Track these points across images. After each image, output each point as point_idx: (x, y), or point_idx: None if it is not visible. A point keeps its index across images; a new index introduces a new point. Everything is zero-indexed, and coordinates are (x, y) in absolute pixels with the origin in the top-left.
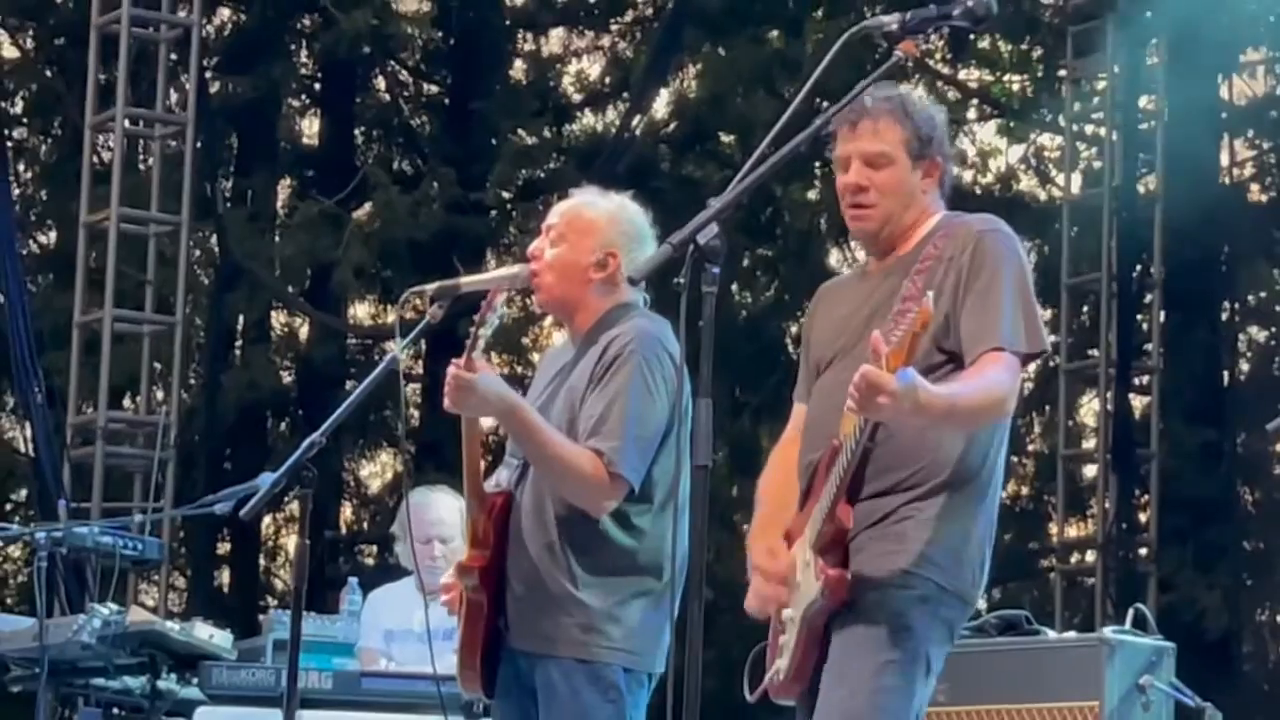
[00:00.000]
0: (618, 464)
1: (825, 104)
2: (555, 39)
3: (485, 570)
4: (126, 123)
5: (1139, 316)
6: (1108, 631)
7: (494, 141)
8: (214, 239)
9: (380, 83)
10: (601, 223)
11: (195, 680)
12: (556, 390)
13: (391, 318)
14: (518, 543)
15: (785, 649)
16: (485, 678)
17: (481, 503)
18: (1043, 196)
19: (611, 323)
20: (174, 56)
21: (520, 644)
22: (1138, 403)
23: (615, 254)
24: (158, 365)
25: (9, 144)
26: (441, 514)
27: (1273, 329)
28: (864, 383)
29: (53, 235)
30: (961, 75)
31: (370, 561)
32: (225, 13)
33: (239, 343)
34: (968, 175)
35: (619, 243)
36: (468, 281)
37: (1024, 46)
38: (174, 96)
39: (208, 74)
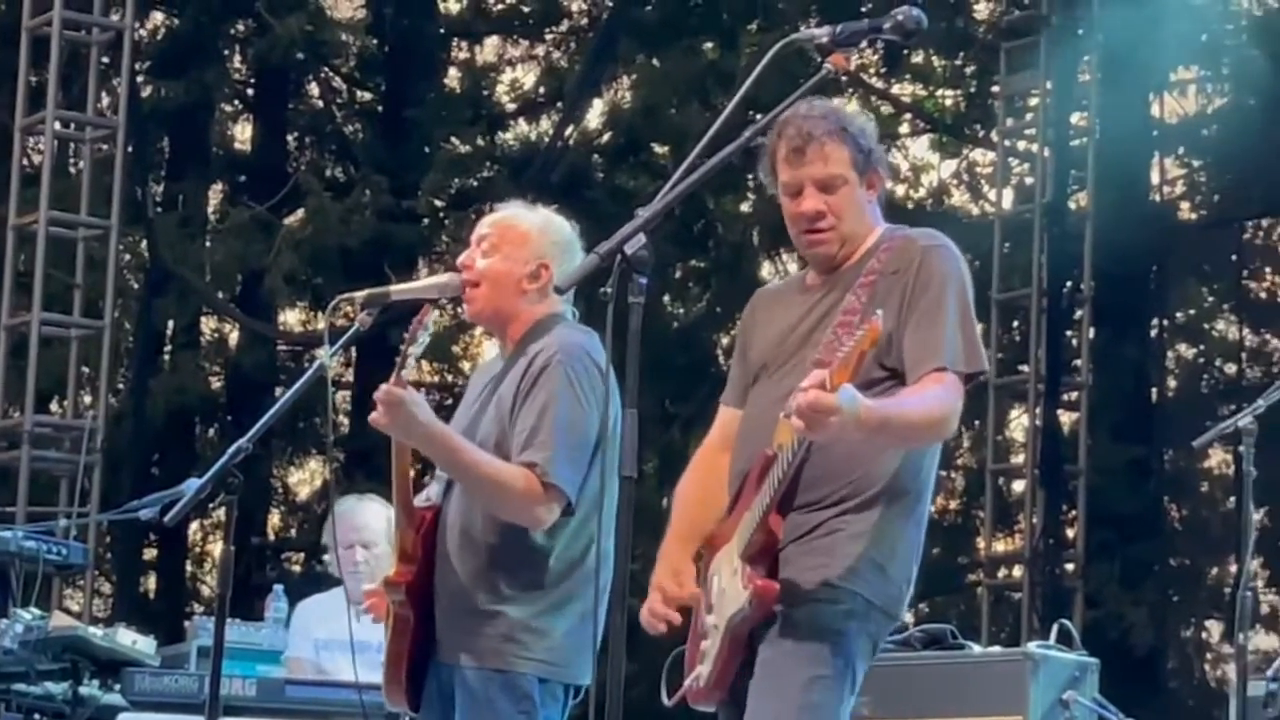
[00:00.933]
0: (551, 475)
1: (757, 116)
2: (490, 48)
3: (412, 585)
4: (57, 125)
5: (1068, 333)
6: (1032, 647)
7: (427, 149)
8: (144, 244)
9: (314, 89)
10: (534, 234)
11: (118, 687)
12: (486, 403)
13: (322, 325)
14: (444, 558)
15: (707, 655)
16: (411, 691)
17: (410, 517)
18: (974, 211)
19: (539, 334)
20: (106, 60)
21: (445, 657)
22: (1066, 419)
23: (548, 265)
24: (85, 369)
25: None
26: (368, 520)
27: (1201, 347)
28: (808, 407)
29: None
30: (895, 90)
31: (297, 569)
32: (158, 16)
33: (168, 348)
34: (900, 190)
35: (551, 254)
36: (398, 290)
37: (957, 62)
38: (105, 100)
39: (140, 78)
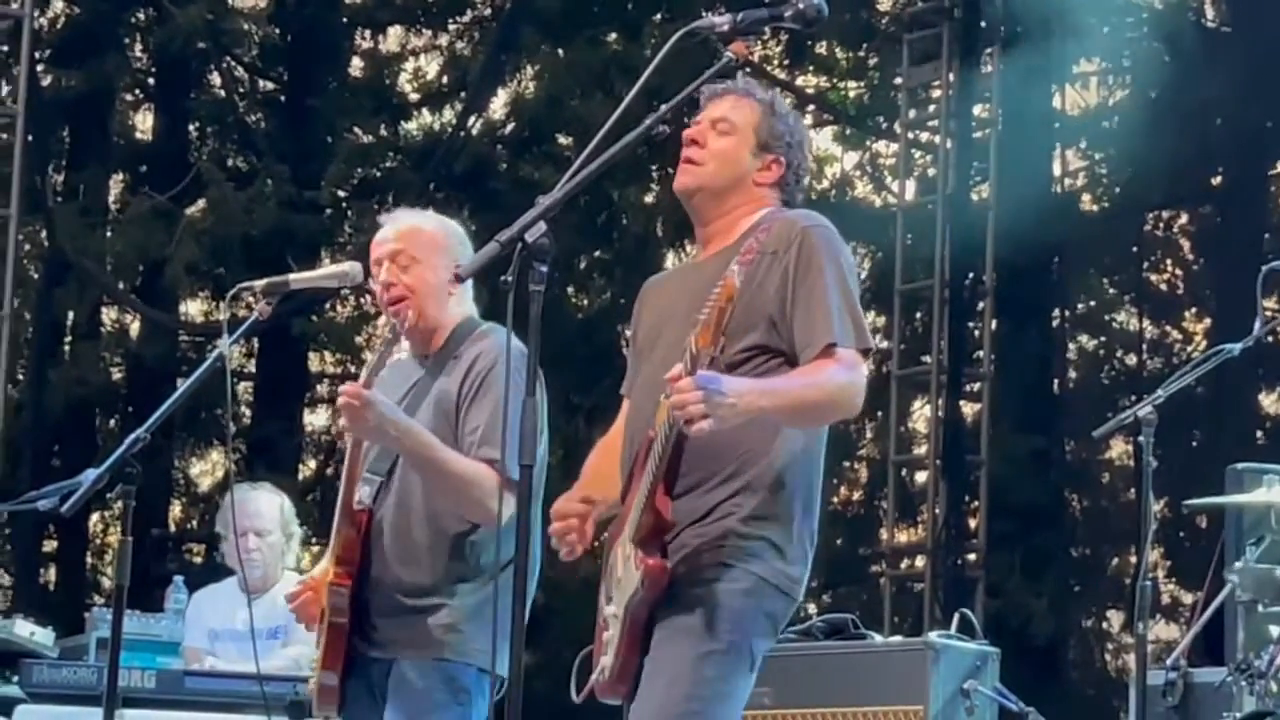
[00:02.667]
0: (510, 471)
1: (660, 105)
2: (393, 37)
3: (351, 589)
4: None
5: (971, 324)
6: (933, 636)
7: (330, 139)
8: (44, 233)
9: (216, 79)
10: (443, 238)
11: (15, 678)
12: (414, 406)
13: (223, 315)
14: (382, 557)
15: (609, 646)
16: (342, 694)
17: (352, 519)
18: (877, 203)
19: (462, 338)
20: (5, 48)
21: (379, 652)
22: (968, 409)
23: (459, 269)
24: None
25: None
26: (260, 507)
27: (1102, 338)
28: (677, 404)
29: None
30: (799, 81)
31: (199, 560)
32: (58, 5)
33: (68, 338)
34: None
35: (461, 255)
36: (297, 278)
37: (861, 53)
38: (5, 88)
39: (39, 66)
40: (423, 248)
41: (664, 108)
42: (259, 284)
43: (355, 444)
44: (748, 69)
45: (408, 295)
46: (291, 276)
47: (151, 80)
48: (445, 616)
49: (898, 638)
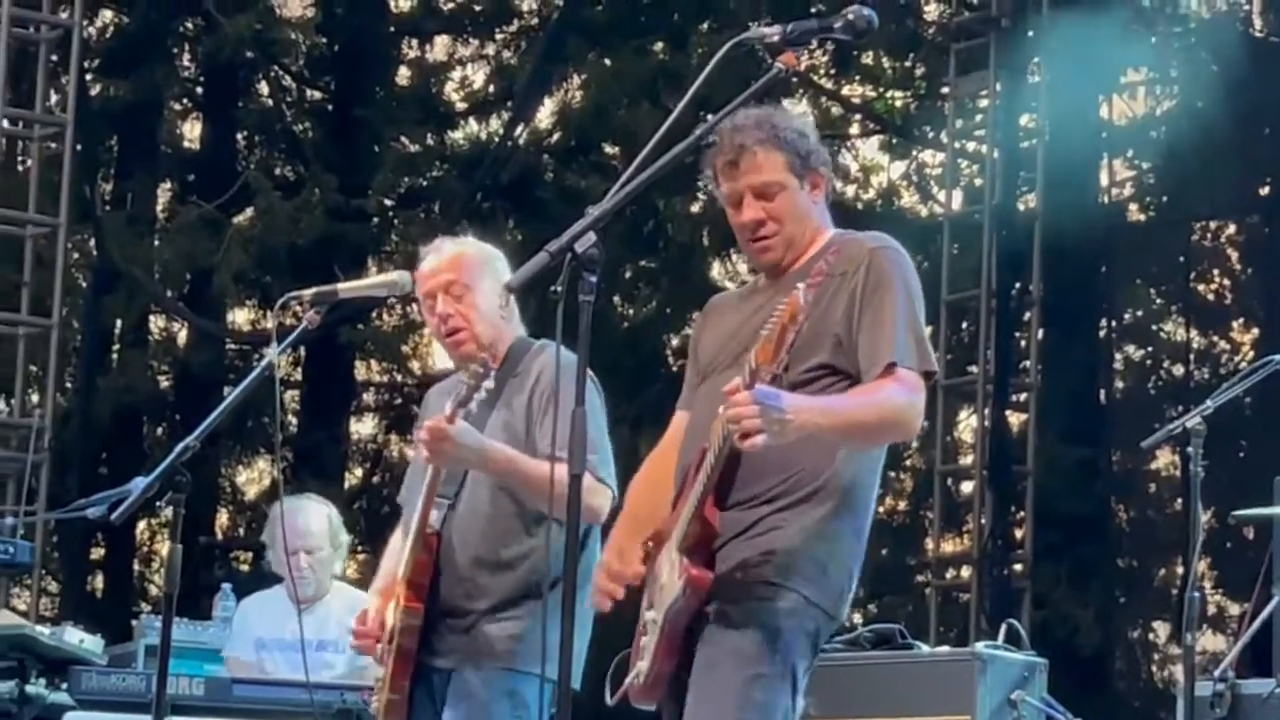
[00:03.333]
0: (600, 471)
1: (708, 115)
2: (440, 46)
3: (423, 613)
4: (5, 123)
5: (1017, 334)
6: (980, 647)
7: (376, 148)
8: (92, 242)
9: (263, 88)
10: (490, 262)
11: (65, 685)
12: (479, 426)
13: (270, 324)
14: (448, 575)
15: (646, 651)
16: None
17: (426, 543)
18: (924, 213)
19: (521, 354)
20: (54, 57)
21: (443, 661)
22: (1015, 420)
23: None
24: (33, 368)
25: None
26: (309, 523)
27: (1149, 348)
28: (732, 417)
29: None
30: (845, 90)
31: (245, 568)
32: (107, 14)
33: (116, 346)
34: (850, 190)
35: (504, 275)
36: (346, 287)
37: (907, 63)
38: (54, 98)
39: (88, 76)
40: (472, 274)
41: (713, 120)
42: (308, 293)
43: (435, 471)
44: (795, 78)
45: (464, 325)
46: (340, 286)
47: (199, 89)
48: (511, 628)
49: (945, 648)
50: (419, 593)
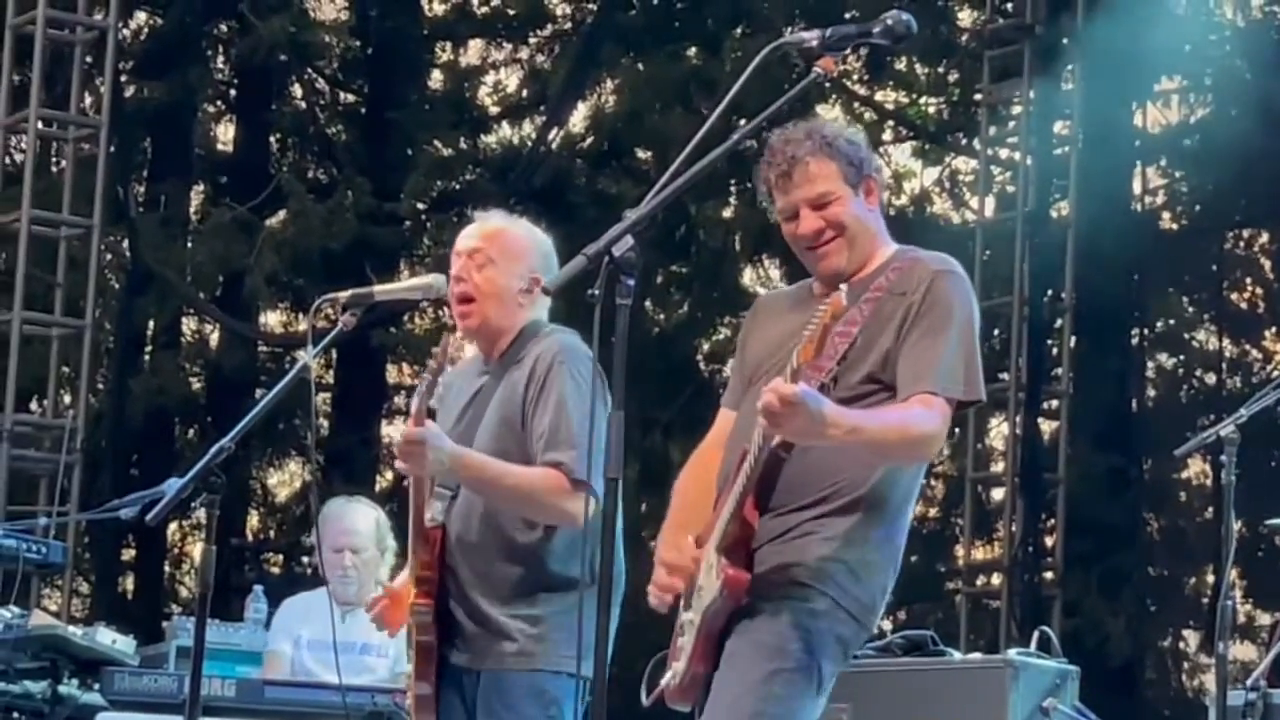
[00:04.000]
0: (579, 472)
1: (742, 121)
2: (474, 50)
3: (435, 608)
4: (40, 124)
5: (1049, 341)
6: (1013, 654)
7: (410, 152)
8: (125, 243)
9: (297, 90)
10: (528, 246)
11: (97, 686)
12: (478, 415)
13: (303, 326)
14: (459, 569)
15: (682, 652)
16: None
17: (427, 539)
18: (956, 219)
19: (526, 339)
20: (89, 59)
21: (468, 661)
22: (1046, 427)
23: (539, 279)
24: (66, 369)
25: None
26: (356, 523)
27: (1180, 357)
28: (769, 396)
29: None
30: (878, 96)
31: (276, 570)
32: (142, 16)
33: (149, 348)
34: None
35: (541, 266)
36: (381, 290)
37: (941, 69)
38: (88, 99)
39: (123, 77)
40: (501, 250)
41: (750, 124)
42: (343, 296)
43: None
44: (829, 83)
45: (475, 295)
46: (376, 289)
47: (233, 92)
48: (529, 626)
49: (977, 655)
50: (428, 588)
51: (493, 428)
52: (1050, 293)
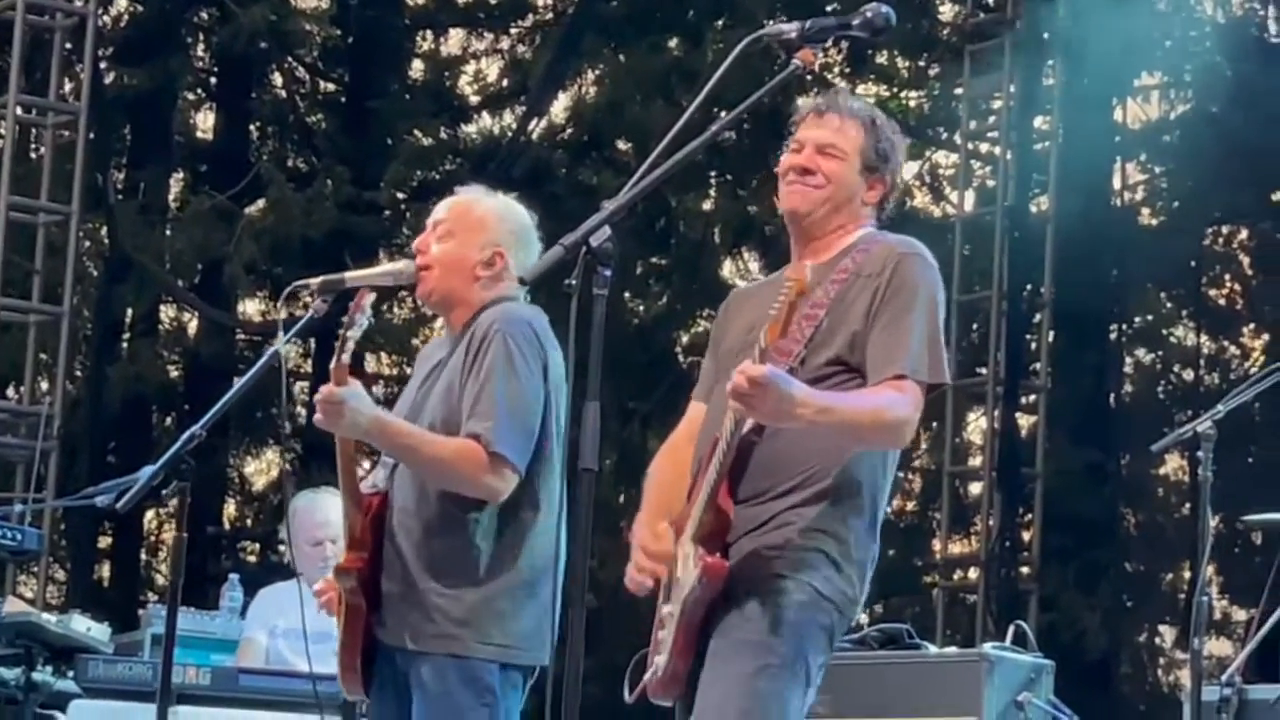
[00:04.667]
0: (494, 443)
1: (722, 113)
2: (454, 40)
3: (363, 572)
4: (19, 110)
5: (1028, 336)
6: (988, 648)
7: (390, 141)
8: (104, 230)
9: (277, 79)
10: (491, 220)
11: (71, 673)
12: (432, 385)
13: (279, 313)
14: (393, 543)
15: (663, 646)
16: (366, 678)
17: (358, 504)
18: (936, 213)
19: (482, 313)
20: (69, 45)
21: (394, 641)
22: (1024, 421)
23: (502, 253)
24: (43, 355)
25: None
26: (329, 515)
27: (1159, 352)
28: (739, 378)
29: None
30: (859, 90)
31: (253, 559)
32: (122, 3)
33: (126, 335)
34: None
35: (507, 241)
36: (353, 276)
37: (922, 63)
38: (68, 86)
39: (103, 64)
40: (463, 223)
41: (729, 115)
42: (314, 282)
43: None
44: (809, 76)
45: (431, 265)
46: (348, 274)
47: (213, 80)
48: (459, 609)
49: (952, 649)
50: (360, 554)
51: (438, 396)
52: (1029, 287)
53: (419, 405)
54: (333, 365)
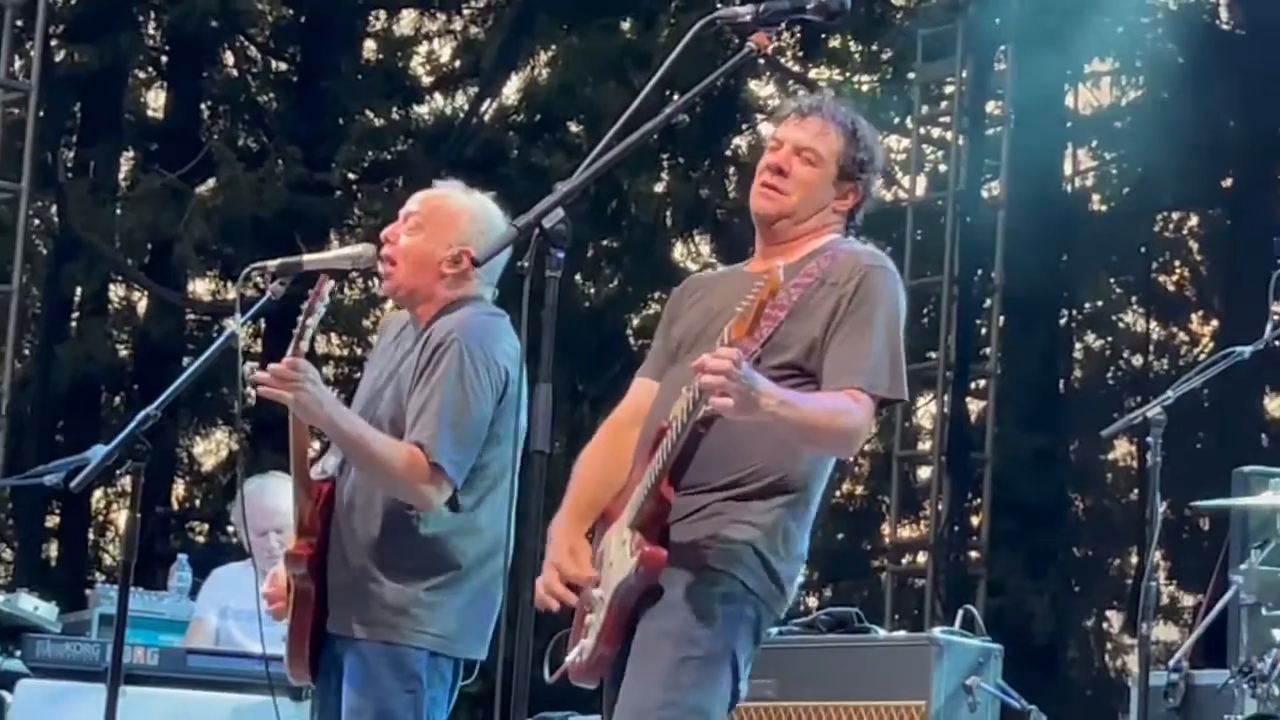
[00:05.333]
0: (435, 455)
1: (675, 96)
2: (407, 20)
3: (312, 559)
4: None
5: (978, 321)
6: (937, 632)
7: (341, 121)
8: (54, 209)
9: (228, 58)
10: (462, 218)
11: (18, 652)
12: (390, 377)
13: (231, 295)
14: (339, 530)
15: (591, 629)
16: (313, 664)
17: (309, 490)
18: (888, 197)
19: (447, 314)
20: (19, 23)
21: (334, 628)
22: (974, 406)
23: (470, 251)
24: None
25: None
26: (278, 503)
27: (1108, 338)
28: (707, 363)
29: None
30: (812, 74)
31: (202, 539)
32: None
33: (76, 314)
34: None
35: (476, 241)
36: (311, 259)
37: (874, 47)
38: (18, 63)
39: (53, 42)
40: (432, 218)
41: (683, 98)
42: (272, 264)
43: (298, 420)
44: (762, 60)
45: (397, 258)
46: (305, 258)
47: (164, 58)
48: (398, 598)
49: (901, 633)
50: (309, 540)
51: (392, 395)
52: (980, 272)
53: (377, 396)
54: (290, 350)
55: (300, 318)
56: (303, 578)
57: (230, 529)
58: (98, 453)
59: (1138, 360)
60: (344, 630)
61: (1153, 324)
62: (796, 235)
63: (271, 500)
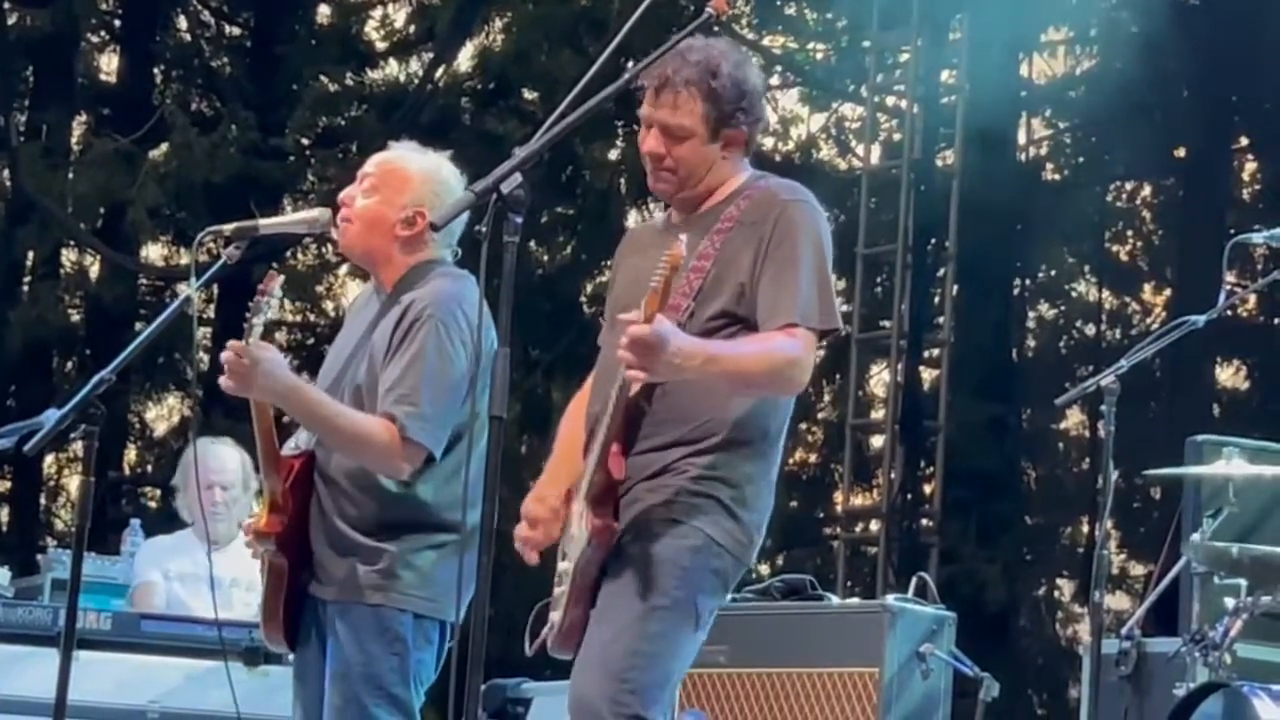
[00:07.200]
0: (411, 429)
1: (630, 63)
2: None
3: (282, 535)
4: None
5: (932, 289)
6: (890, 599)
7: (295, 86)
8: (5, 172)
9: (182, 22)
10: (416, 180)
11: None
12: (359, 348)
13: (185, 260)
14: (324, 495)
15: (559, 602)
16: (288, 631)
17: (278, 469)
18: (842, 166)
19: (414, 282)
20: None
21: (321, 592)
22: (927, 375)
23: (424, 213)
24: None
25: None
26: (225, 462)
27: (1061, 307)
28: (629, 340)
29: None
30: (766, 41)
31: (153, 505)
32: None
33: (27, 278)
34: (769, 142)
35: (430, 202)
36: (266, 224)
37: (829, 15)
38: None
39: (5, 5)
40: (389, 180)
41: (641, 65)
42: (228, 228)
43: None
44: (717, 28)
45: (351, 220)
46: (261, 222)
47: (118, 22)
48: (382, 561)
49: (855, 600)
50: (281, 517)
51: (363, 367)
52: (934, 241)
53: (345, 368)
54: (241, 345)
55: (248, 315)
56: (274, 553)
57: (176, 500)
58: (50, 417)
59: (1090, 330)
60: (331, 595)
61: (1105, 293)
62: (703, 193)
63: (217, 459)
